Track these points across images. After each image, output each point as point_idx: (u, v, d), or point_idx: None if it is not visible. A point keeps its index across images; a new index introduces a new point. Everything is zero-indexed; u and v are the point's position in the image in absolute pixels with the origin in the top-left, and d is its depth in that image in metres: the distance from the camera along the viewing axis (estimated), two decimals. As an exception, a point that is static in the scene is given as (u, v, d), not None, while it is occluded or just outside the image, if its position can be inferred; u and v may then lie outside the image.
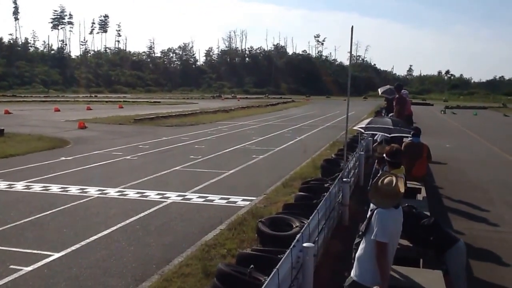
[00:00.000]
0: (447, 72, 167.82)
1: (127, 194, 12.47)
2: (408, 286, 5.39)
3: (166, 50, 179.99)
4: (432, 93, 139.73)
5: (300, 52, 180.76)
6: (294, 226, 7.34)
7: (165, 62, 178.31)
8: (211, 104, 67.89)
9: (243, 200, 11.92)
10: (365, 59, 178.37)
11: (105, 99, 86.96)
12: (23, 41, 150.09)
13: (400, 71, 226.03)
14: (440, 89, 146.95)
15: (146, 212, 10.72)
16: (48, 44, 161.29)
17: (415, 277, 5.53)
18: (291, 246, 5.33)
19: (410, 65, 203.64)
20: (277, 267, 4.70)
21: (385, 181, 4.76)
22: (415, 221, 6.39)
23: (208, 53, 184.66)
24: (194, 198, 12.15)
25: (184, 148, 22.00)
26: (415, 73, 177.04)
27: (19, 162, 17.39)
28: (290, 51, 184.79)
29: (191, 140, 25.02)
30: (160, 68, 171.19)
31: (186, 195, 12.38)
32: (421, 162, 11.01)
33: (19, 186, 13.39)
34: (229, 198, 12.07)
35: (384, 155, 6.84)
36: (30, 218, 10.18)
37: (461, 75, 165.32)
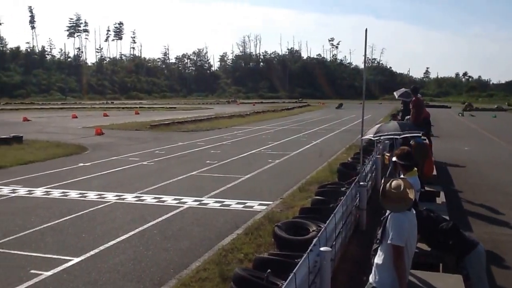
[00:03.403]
0: (465, 74, 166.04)
1: (144, 200, 12.55)
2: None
3: (180, 56, 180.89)
4: (449, 95, 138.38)
5: (315, 56, 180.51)
6: (311, 230, 7.32)
7: (180, 68, 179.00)
8: (226, 109, 68.05)
9: (260, 204, 11.93)
10: (380, 62, 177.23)
11: (121, 105, 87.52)
12: (40, 49, 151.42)
13: (417, 73, 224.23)
14: (458, 92, 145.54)
15: (163, 217, 10.78)
16: (65, 52, 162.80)
17: (434, 282, 5.49)
18: (308, 250, 5.31)
19: (427, 68, 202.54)
20: (294, 271, 4.68)
21: (393, 185, 4.75)
22: (434, 225, 6.33)
23: (222, 58, 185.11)
24: (211, 203, 12.18)
25: (200, 153, 22.07)
26: (432, 75, 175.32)
27: (38, 169, 17.58)
28: (304, 55, 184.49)
29: (207, 145, 25.09)
30: (175, 74, 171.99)
31: (202, 200, 12.42)
32: (429, 161, 10.99)
33: (39, 192, 13.54)
34: (245, 203, 12.08)
35: (396, 158, 6.71)
36: (49, 224, 10.29)
37: (479, 76, 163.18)
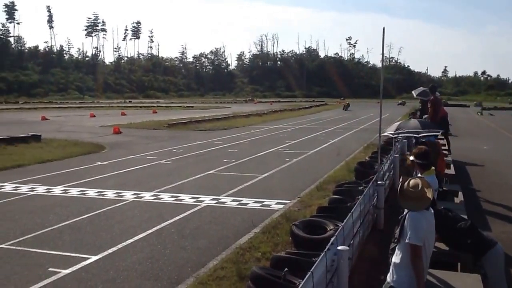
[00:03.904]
0: (483, 72, 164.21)
1: (162, 198, 12.61)
2: (445, 290, 5.31)
3: (198, 55, 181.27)
4: (468, 94, 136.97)
5: (332, 55, 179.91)
6: (328, 229, 7.31)
7: (197, 67, 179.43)
8: (243, 108, 68.11)
9: (277, 203, 11.92)
10: (398, 61, 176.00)
11: (139, 104, 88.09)
12: (58, 48, 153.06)
13: (435, 72, 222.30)
14: (476, 90, 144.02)
15: (180, 216, 10.82)
16: (83, 51, 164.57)
17: (452, 281, 5.45)
18: (326, 249, 5.29)
19: (445, 66, 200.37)
20: (311, 270, 4.67)
21: (411, 184, 4.73)
22: (452, 224, 6.28)
23: (239, 58, 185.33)
24: (228, 201, 12.21)
25: (218, 152, 22.13)
26: (450, 74, 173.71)
27: (56, 167, 17.75)
28: (322, 54, 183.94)
29: (224, 144, 25.14)
30: (192, 73, 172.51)
31: (220, 199, 12.45)
32: (441, 159, 10.90)
33: (57, 190, 13.68)
34: (263, 202, 12.08)
35: (413, 157, 6.66)
36: (67, 222, 10.38)
37: (498, 75, 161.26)
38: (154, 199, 12.55)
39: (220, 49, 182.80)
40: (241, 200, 12.26)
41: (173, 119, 42.08)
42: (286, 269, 5.38)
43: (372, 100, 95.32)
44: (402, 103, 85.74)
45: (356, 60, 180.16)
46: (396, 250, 4.82)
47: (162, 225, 10.13)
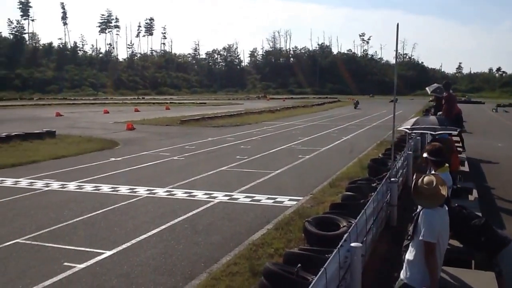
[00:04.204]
0: (498, 69, 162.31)
1: (175, 194, 12.67)
2: (458, 288, 5.29)
3: (210, 52, 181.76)
4: (482, 91, 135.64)
5: (345, 52, 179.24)
6: (341, 226, 7.30)
7: (210, 64, 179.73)
8: (256, 105, 68.08)
9: (290, 200, 11.93)
10: (412, 57, 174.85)
11: (152, 101, 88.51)
12: (72, 45, 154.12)
13: (449, 69, 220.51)
14: (491, 87, 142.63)
15: (193, 212, 10.87)
16: (96, 47, 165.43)
17: (466, 279, 5.43)
18: (339, 246, 5.30)
19: (460, 63, 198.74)
20: (324, 266, 4.68)
21: (425, 181, 4.72)
22: (466, 222, 6.25)
23: (252, 54, 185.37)
24: (241, 198, 12.24)
25: (230, 148, 22.17)
26: (465, 70, 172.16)
27: (70, 163, 17.90)
28: (335, 50, 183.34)
29: (237, 140, 25.18)
30: (205, 70, 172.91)
31: (233, 195, 12.48)
32: (455, 156, 10.85)
33: (71, 186, 13.80)
34: (275, 198, 12.10)
35: (427, 154, 6.61)
36: (82, 217, 10.48)
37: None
38: (167, 195, 12.61)
39: (232, 46, 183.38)
40: (254, 197, 12.28)
41: (185, 115, 42.21)
42: (299, 265, 5.39)
43: (387, 96, 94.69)
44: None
45: (370, 56, 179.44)
46: (410, 247, 4.81)
47: (175, 220, 10.18)
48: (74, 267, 7.60)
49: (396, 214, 9.78)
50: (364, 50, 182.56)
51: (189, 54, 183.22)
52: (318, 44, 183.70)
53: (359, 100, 72.47)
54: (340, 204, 9.13)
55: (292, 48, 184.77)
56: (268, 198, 12.10)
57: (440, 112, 15.74)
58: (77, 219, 10.36)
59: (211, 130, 31.78)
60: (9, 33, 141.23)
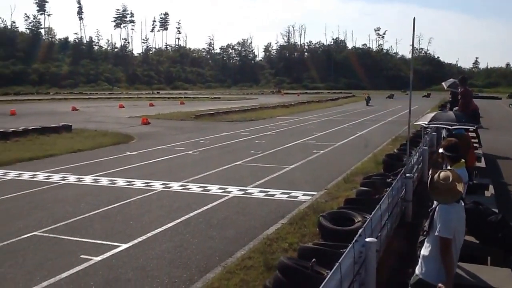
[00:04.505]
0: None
1: (190, 188, 12.73)
2: (474, 284, 5.27)
3: (225, 46, 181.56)
4: (499, 86, 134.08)
5: (360, 46, 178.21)
6: (355, 221, 7.31)
7: (224, 58, 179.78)
8: (270, 100, 68.06)
9: (304, 195, 11.93)
10: (428, 52, 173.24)
11: (166, 95, 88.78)
12: (87, 40, 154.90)
13: (466, 63, 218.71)
14: (508, 82, 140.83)
15: (208, 206, 10.92)
16: (112, 42, 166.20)
17: (481, 275, 5.41)
18: (354, 241, 5.28)
19: (476, 58, 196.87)
20: (339, 261, 4.69)
21: (441, 176, 4.68)
22: (482, 218, 6.22)
23: (266, 49, 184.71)
24: (255, 192, 12.26)
25: (245, 143, 22.21)
26: (482, 65, 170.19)
27: (86, 157, 18.05)
28: (350, 45, 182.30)
29: (251, 135, 25.21)
30: (219, 64, 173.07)
31: (247, 190, 12.51)
32: (471, 152, 10.76)
33: (88, 180, 13.92)
34: (290, 193, 12.11)
35: (442, 150, 6.54)
36: (98, 211, 10.58)
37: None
38: (182, 189, 12.68)
39: (247, 40, 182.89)
40: (268, 191, 12.30)
41: (200, 110, 42.28)
42: (313, 259, 5.40)
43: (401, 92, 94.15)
44: (427, 95, 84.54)
45: (385, 51, 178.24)
46: (425, 242, 4.79)
47: (190, 214, 10.24)
48: (91, 259, 7.69)
49: (411, 210, 9.75)
50: (379, 45, 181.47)
51: (203, 48, 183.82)
52: (333, 39, 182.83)
53: (370, 96, 70.49)
54: (354, 199, 9.13)
55: (307, 42, 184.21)
56: (283, 193, 12.11)
57: (456, 108, 15.63)
58: (93, 212, 10.46)
59: (226, 124, 31.83)
60: (26, 28, 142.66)
